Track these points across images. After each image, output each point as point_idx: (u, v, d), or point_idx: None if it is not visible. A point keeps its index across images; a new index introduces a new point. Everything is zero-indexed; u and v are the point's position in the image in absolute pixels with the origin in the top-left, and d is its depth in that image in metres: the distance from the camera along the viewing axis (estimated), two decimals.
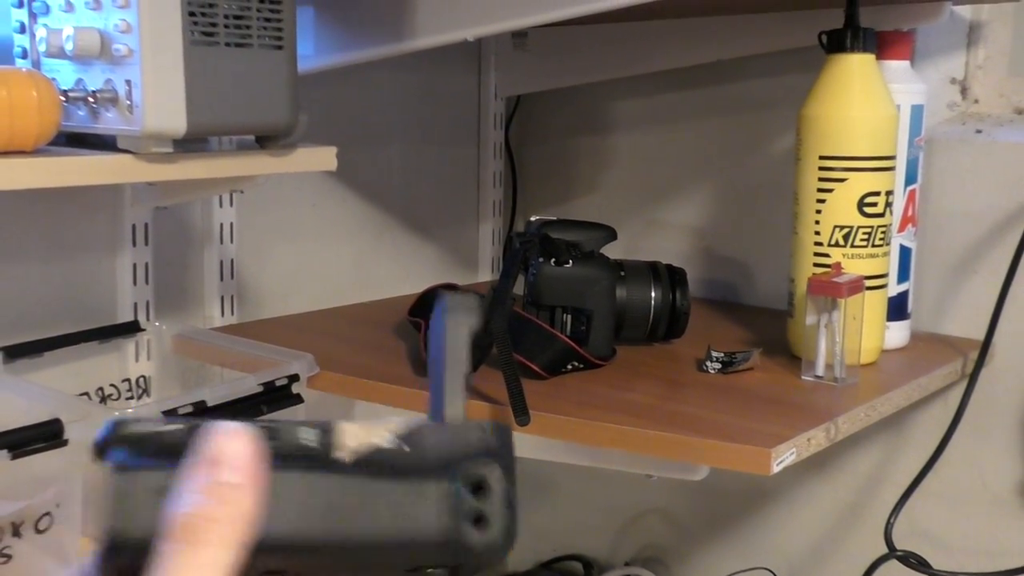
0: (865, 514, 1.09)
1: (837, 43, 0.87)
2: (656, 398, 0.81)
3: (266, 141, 0.73)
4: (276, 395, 0.83)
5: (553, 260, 0.87)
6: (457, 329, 0.35)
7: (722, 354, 0.89)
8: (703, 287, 1.18)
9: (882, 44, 0.90)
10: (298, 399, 0.84)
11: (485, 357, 0.81)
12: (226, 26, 0.66)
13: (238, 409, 0.80)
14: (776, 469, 0.70)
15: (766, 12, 1.03)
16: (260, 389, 0.82)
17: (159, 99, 0.64)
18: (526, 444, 0.79)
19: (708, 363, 0.88)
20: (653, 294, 0.93)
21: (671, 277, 0.94)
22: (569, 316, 0.87)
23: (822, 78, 0.88)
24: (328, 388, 0.87)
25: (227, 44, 0.66)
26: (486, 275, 1.30)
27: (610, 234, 0.92)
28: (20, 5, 0.70)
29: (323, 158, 0.77)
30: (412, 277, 1.20)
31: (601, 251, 0.92)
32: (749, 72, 1.13)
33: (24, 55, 0.71)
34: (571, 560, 1.37)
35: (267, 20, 0.68)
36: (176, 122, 0.65)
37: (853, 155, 0.87)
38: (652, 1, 0.73)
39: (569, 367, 0.86)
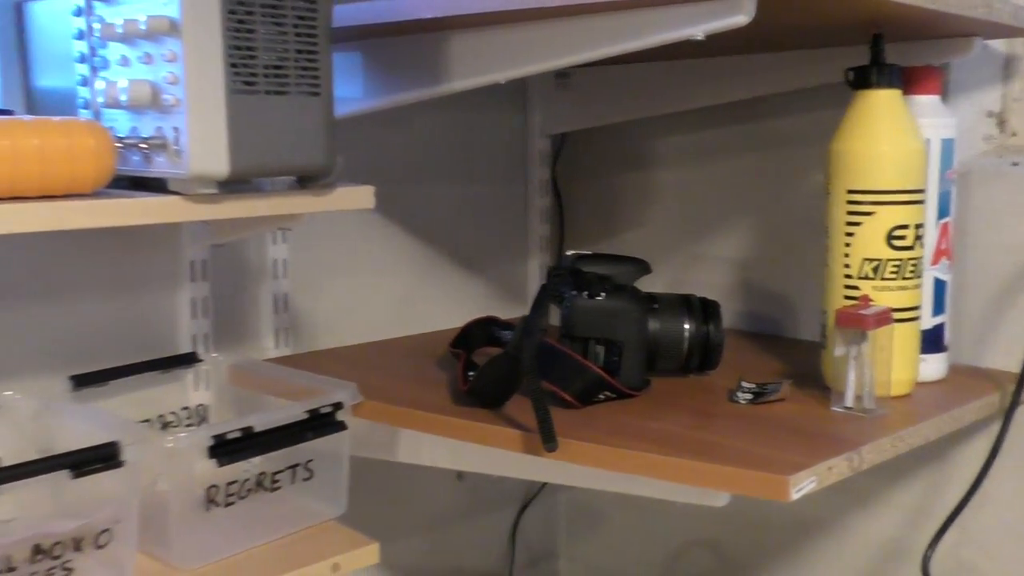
0: (907, 548, 1.09)
1: (863, 79, 0.88)
2: (684, 427, 0.83)
3: (306, 181, 0.78)
4: (321, 422, 0.87)
5: (586, 293, 0.90)
6: None
7: (753, 385, 0.91)
8: (745, 320, 1.20)
9: (911, 79, 0.92)
10: (342, 426, 0.88)
11: (518, 386, 0.84)
12: (265, 75, 0.71)
13: (284, 435, 0.85)
14: (795, 496, 0.71)
15: (799, 49, 1.05)
16: (306, 416, 0.86)
17: (204, 144, 0.69)
18: (555, 470, 0.81)
19: (739, 394, 0.90)
20: (686, 326, 0.95)
21: (704, 310, 0.96)
22: (601, 347, 0.90)
23: (849, 114, 0.90)
24: (370, 416, 0.90)
25: (267, 92, 0.71)
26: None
27: (643, 268, 0.94)
28: (83, 60, 0.77)
29: (361, 197, 0.81)
30: (460, 311, 1.24)
31: (635, 284, 0.95)
32: (786, 108, 1.15)
33: (86, 105, 0.77)
34: None
35: (304, 69, 0.73)
36: (220, 165, 0.70)
37: (880, 189, 0.88)
38: (676, 42, 0.76)
39: (602, 397, 0.88)
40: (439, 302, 1.25)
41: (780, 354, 1.07)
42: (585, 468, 0.78)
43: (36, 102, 0.90)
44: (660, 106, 1.19)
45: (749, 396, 0.89)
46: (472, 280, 1.29)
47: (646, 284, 0.96)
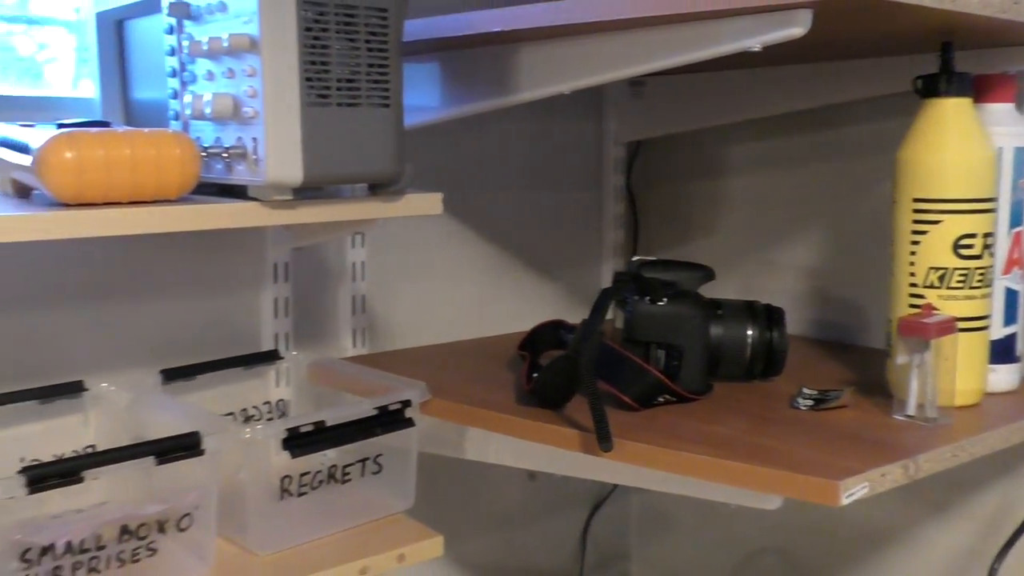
0: (976, 559, 1.07)
1: (931, 88, 0.88)
2: (741, 431, 0.84)
3: (377, 189, 0.82)
4: (390, 418, 0.91)
5: (648, 298, 0.92)
6: None
7: (815, 391, 0.91)
8: (816, 328, 1.19)
9: (984, 87, 0.91)
10: (410, 423, 0.92)
11: (578, 387, 0.87)
12: (338, 89, 0.75)
13: (354, 430, 0.89)
14: (845, 501, 0.72)
15: (870, 58, 1.05)
16: (375, 412, 0.90)
17: (280, 154, 0.74)
18: (611, 470, 0.84)
19: (799, 400, 0.90)
20: (750, 332, 0.96)
21: (769, 316, 0.97)
22: (662, 352, 0.91)
23: (917, 122, 0.89)
24: (437, 414, 0.94)
25: (339, 104, 0.76)
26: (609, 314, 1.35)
27: (707, 274, 0.96)
28: (173, 74, 0.82)
29: (430, 203, 0.85)
30: (533, 315, 1.26)
31: (700, 290, 0.96)
32: (859, 116, 1.14)
33: (176, 117, 0.83)
34: None
35: (375, 82, 0.77)
36: (294, 173, 0.74)
37: (947, 197, 0.88)
38: (743, 51, 0.77)
39: (661, 400, 0.90)
40: (512, 306, 1.28)
41: (848, 362, 1.07)
42: (640, 468, 0.80)
43: (133, 114, 0.96)
44: (733, 114, 1.20)
45: (810, 402, 0.90)
46: (545, 285, 1.32)
47: (716, 290, 0.97)
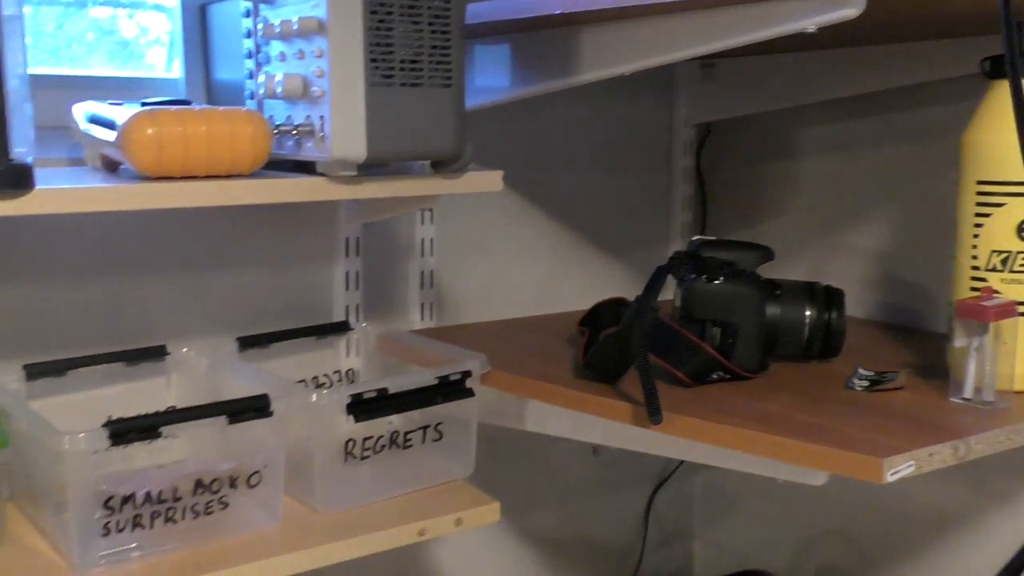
0: None
1: (997, 69, 0.87)
2: (792, 409, 0.85)
3: (439, 166, 0.85)
4: (450, 388, 0.94)
5: (705, 277, 0.93)
6: None
7: (871, 372, 0.91)
8: (883, 311, 1.19)
9: None
10: (469, 393, 0.95)
11: (631, 361, 0.89)
12: (402, 69, 0.79)
13: (416, 397, 0.92)
14: (890, 479, 0.72)
15: (941, 39, 1.04)
16: (436, 382, 0.93)
17: (345, 131, 0.77)
18: (662, 442, 0.86)
19: (855, 380, 0.91)
20: (807, 313, 0.96)
21: (828, 297, 0.97)
22: (718, 330, 0.93)
23: (983, 104, 0.89)
24: (497, 385, 0.97)
25: (402, 84, 0.79)
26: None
27: (765, 254, 0.97)
28: (249, 56, 0.87)
29: (490, 180, 0.88)
30: (598, 295, 1.28)
31: (759, 271, 0.97)
32: (929, 99, 1.13)
33: (252, 96, 0.87)
34: (752, 575, 1.40)
35: (437, 63, 0.80)
36: (358, 150, 0.78)
37: (1011, 180, 0.87)
38: (811, 32, 0.77)
39: (715, 377, 0.91)
40: (578, 285, 1.31)
41: (912, 346, 1.07)
42: (689, 442, 0.82)
43: (215, 93, 1.01)
44: (802, 96, 1.19)
45: (865, 383, 0.90)
46: (612, 265, 1.33)
47: (782, 272, 0.98)
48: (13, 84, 0.65)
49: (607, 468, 1.39)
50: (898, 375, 0.90)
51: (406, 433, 0.94)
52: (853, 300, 1.18)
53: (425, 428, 0.95)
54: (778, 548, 1.37)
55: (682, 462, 1.44)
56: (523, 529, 1.34)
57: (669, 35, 0.84)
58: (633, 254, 1.35)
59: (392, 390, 0.90)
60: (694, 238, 1.00)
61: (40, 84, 0.91)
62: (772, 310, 0.96)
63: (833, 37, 1.02)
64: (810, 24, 0.75)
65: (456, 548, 1.28)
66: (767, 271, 0.98)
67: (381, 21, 0.78)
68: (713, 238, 0.99)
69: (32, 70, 0.70)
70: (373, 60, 0.77)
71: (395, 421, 0.94)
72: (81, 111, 0.88)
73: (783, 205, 1.31)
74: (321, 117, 0.78)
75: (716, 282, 0.93)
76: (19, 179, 0.67)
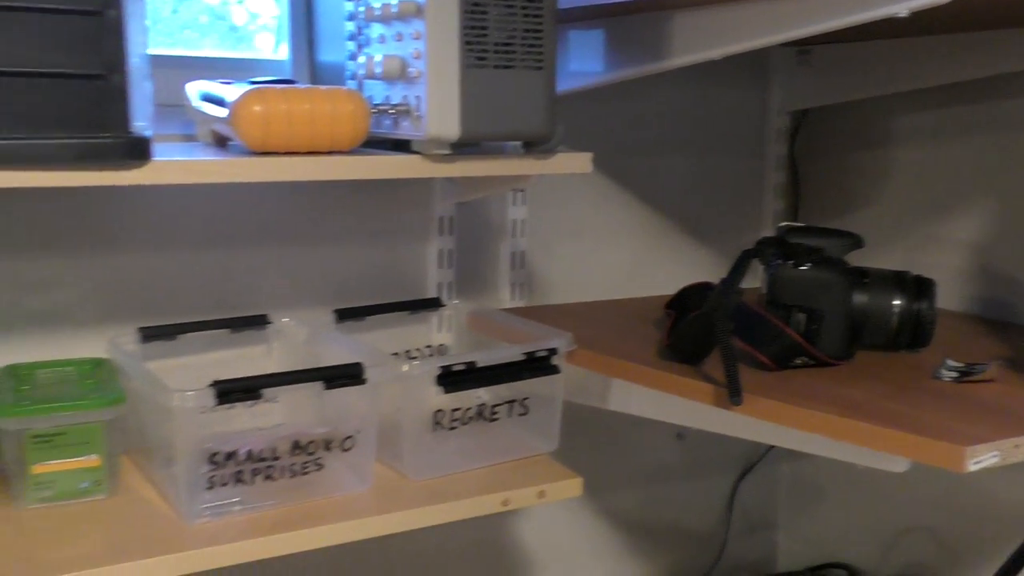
0: None
1: None
2: (875, 396, 0.85)
3: (530, 147, 0.88)
4: (536, 364, 0.97)
5: (791, 263, 0.94)
6: None
7: (960, 364, 0.91)
8: (979, 305, 1.17)
9: None
10: (555, 370, 0.98)
11: (715, 343, 0.90)
12: (495, 52, 0.81)
13: (503, 372, 0.95)
14: (972, 468, 0.72)
15: None
16: (523, 358, 0.96)
17: (439, 111, 0.80)
18: (743, 425, 0.87)
19: (943, 371, 0.90)
20: (896, 302, 0.96)
21: (918, 287, 0.96)
22: (803, 316, 0.93)
23: None
24: (581, 363, 0.99)
25: (495, 67, 0.82)
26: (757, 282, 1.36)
27: (854, 242, 0.96)
28: (351, 38, 0.90)
29: (580, 162, 0.90)
30: (687, 280, 1.28)
31: (848, 259, 0.97)
32: None
33: (353, 77, 0.91)
34: (837, 568, 1.39)
35: (530, 46, 0.82)
36: (452, 129, 0.81)
37: None
38: (905, 16, 0.77)
39: (799, 362, 0.92)
40: (668, 269, 1.32)
41: (1007, 339, 1.05)
42: (770, 425, 0.83)
43: (319, 74, 1.06)
44: (900, 83, 1.18)
45: (954, 374, 0.89)
46: (702, 250, 1.34)
47: (877, 261, 0.97)
48: (135, 62, 0.70)
49: (691, 453, 1.40)
50: (988, 367, 0.89)
51: (493, 407, 0.97)
52: (947, 292, 1.16)
53: (512, 403, 0.98)
54: (862, 542, 1.36)
55: (768, 450, 1.44)
56: (604, 509, 1.36)
57: (759, 19, 0.85)
58: (723, 241, 1.35)
59: (480, 364, 0.93)
60: (781, 224, 1.00)
61: (157, 64, 0.97)
62: (859, 298, 0.95)
63: (927, 23, 1.00)
64: (902, 8, 0.74)
65: (536, 524, 1.30)
66: (859, 260, 0.97)
67: (476, 5, 0.80)
68: (801, 224, 0.99)
69: (151, 51, 0.75)
70: (468, 43, 0.80)
71: (483, 395, 0.97)
72: (194, 89, 0.93)
73: (877, 194, 1.29)
74: (417, 97, 0.81)
75: (802, 268, 0.93)
76: (138, 150, 0.72)
